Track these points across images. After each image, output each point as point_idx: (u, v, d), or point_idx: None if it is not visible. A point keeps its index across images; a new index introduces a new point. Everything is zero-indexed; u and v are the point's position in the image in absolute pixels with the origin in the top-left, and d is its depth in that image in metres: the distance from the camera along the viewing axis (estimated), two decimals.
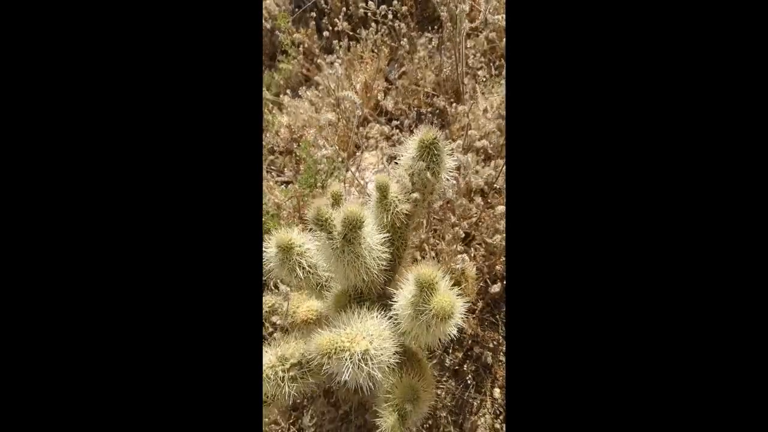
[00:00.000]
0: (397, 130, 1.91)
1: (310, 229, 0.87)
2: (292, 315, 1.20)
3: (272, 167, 2.14)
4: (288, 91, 2.29)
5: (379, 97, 2.16)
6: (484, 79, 1.76)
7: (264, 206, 1.76)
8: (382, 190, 0.91)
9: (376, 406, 0.84)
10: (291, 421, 1.39)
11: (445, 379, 1.42)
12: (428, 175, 0.88)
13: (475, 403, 1.40)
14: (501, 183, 1.26)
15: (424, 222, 1.19)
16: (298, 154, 2.18)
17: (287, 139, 2.33)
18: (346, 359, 0.75)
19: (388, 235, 0.90)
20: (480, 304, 1.46)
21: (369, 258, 0.86)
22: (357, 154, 2.05)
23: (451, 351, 1.44)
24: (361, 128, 2.15)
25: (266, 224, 1.66)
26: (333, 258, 0.86)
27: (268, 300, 1.33)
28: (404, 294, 0.80)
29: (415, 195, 0.90)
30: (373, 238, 0.87)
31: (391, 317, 0.88)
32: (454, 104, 1.52)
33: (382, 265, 0.91)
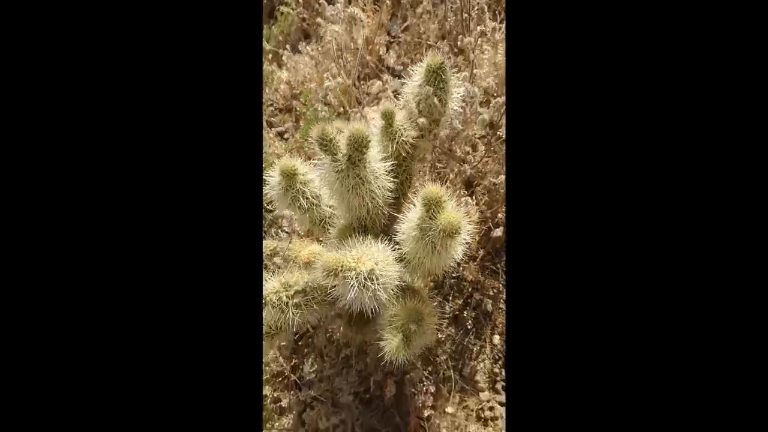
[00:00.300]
0: (400, 82, 1.88)
1: (313, 157, 0.85)
2: (294, 258, 1.20)
3: (273, 119, 2.10)
4: (288, 47, 2.23)
5: (381, 52, 2.11)
6: (490, 28, 1.71)
7: (264, 156, 1.73)
8: (388, 117, 0.89)
9: (380, 331, 0.84)
10: (292, 364, 1.41)
11: (445, 325, 1.43)
12: (435, 100, 0.86)
13: (474, 349, 1.42)
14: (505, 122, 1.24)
15: (429, 159, 1.17)
16: (298, 110, 2.14)
17: (287, 96, 2.29)
18: (351, 278, 0.74)
19: (394, 162, 0.89)
20: (481, 252, 1.46)
21: (374, 184, 0.85)
22: (358, 107, 2.01)
23: (451, 298, 1.45)
24: (362, 83, 2.11)
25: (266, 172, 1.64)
26: (337, 183, 0.84)
27: (270, 244, 1.32)
28: (410, 217, 0.79)
29: (422, 120, 0.88)
30: (378, 163, 0.85)
31: (395, 248, 0.87)
32: (460, 38, 1.48)
33: (386, 194, 0.90)
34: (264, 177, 0.93)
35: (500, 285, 1.45)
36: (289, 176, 0.88)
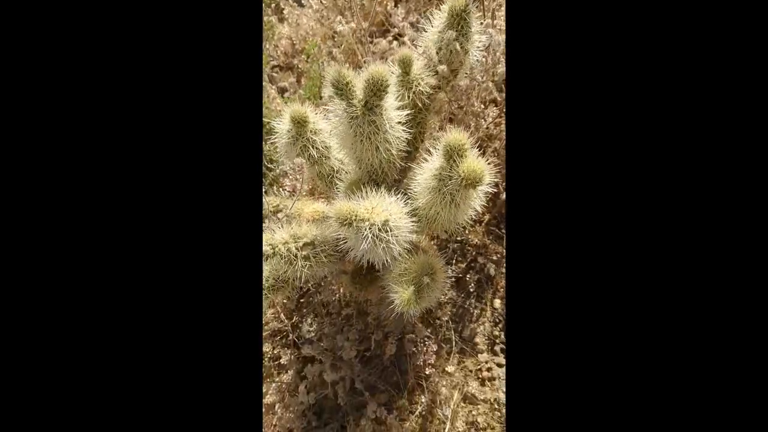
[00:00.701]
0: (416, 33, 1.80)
1: (329, 100, 0.81)
2: (297, 215, 1.17)
3: (273, 82, 2.02)
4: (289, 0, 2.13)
5: (389, 7, 2.02)
6: None
7: (266, 112, 1.67)
8: (406, 64, 0.84)
9: (390, 285, 0.83)
10: (293, 321, 1.40)
11: (447, 288, 1.43)
12: (457, 46, 0.81)
13: (475, 312, 1.42)
14: None
15: (445, 109, 1.12)
16: (300, 67, 2.06)
17: (289, 52, 2.19)
18: (365, 229, 0.72)
19: (410, 112, 0.85)
20: (487, 216, 1.44)
21: (389, 133, 0.81)
22: (364, 65, 1.94)
23: (454, 262, 1.44)
24: (369, 40, 2.02)
25: (269, 126, 1.58)
26: (351, 130, 0.80)
27: (273, 200, 1.29)
28: (428, 167, 0.76)
29: (443, 67, 0.83)
30: (394, 112, 0.81)
31: (407, 202, 0.84)
32: None
33: (401, 145, 0.86)
34: (270, 123, 0.89)
35: (504, 250, 1.44)
36: (300, 124, 0.83)
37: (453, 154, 0.69)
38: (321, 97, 1.75)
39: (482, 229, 1.44)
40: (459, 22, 0.82)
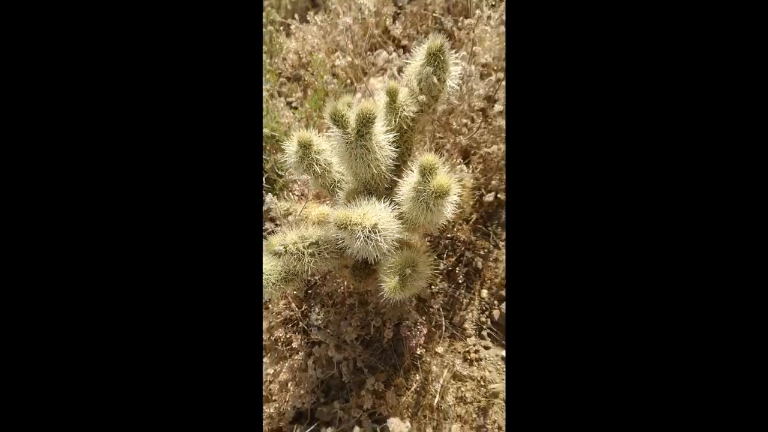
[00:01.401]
0: (406, 56, 1.98)
1: (326, 130, 0.99)
2: (305, 217, 1.36)
3: (281, 94, 2.20)
4: (296, 16, 2.30)
5: (388, 23, 2.18)
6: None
7: (276, 125, 1.86)
8: (392, 94, 1.02)
9: (381, 276, 1.01)
10: (303, 309, 1.60)
11: (439, 280, 1.61)
12: (434, 79, 0.99)
13: (464, 301, 1.60)
14: (501, 96, 1.36)
15: (428, 131, 1.30)
16: (306, 79, 2.24)
17: (296, 65, 2.38)
18: (358, 231, 0.90)
19: (396, 134, 1.03)
20: (474, 215, 1.61)
21: (378, 153, 0.99)
22: (364, 79, 2.11)
23: (445, 256, 1.62)
24: (369, 54, 2.20)
25: (279, 140, 1.77)
26: (346, 153, 0.99)
27: (284, 204, 1.48)
28: (408, 181, 0.94)
29: (422, 97, 1.01)
30: (382, 135, 0.99)
31: (395, 208, 1.02)
32: (461, 20, 1.58)
33: (389, 162, 1.04)
34: (283, 146, 1.07)
35: (490, 245, 1.62)
36: (306, 146, 1.02)
37: (426, 172, 0.87)
38: (324, 107, 1.94)
39: (470, 227, 1.61)
40: (435, 59, 0.99)
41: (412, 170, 0.95)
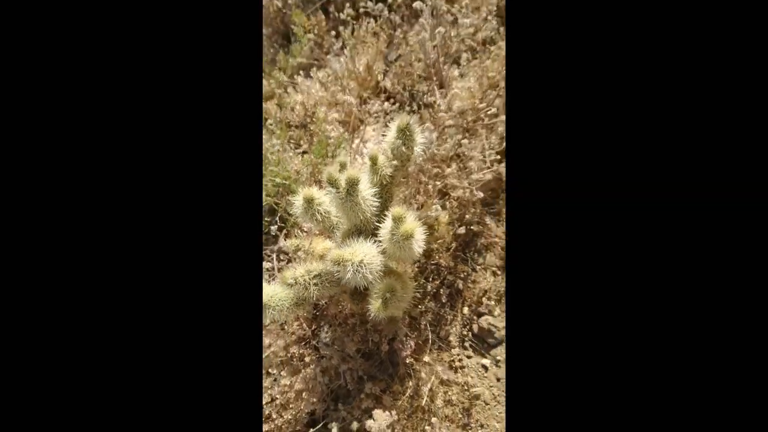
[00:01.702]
0: (395, 106, 2.32)
1: (324, 187, 1.32)
2: (312, 251, 1.67)
3: (291, 141, 2.56)
4: (301, 72, 2.69)
5: (379, 78, 2.55)
6: (463, 64, 2.14)
7: (287, 174, 2.20)
8: (373, 160, 1.34)
9: (370, 299, 1.31)
10: (313, 328, 1.90)
11: (427, 300, 1.89)
12: (403, 149, 1.31)
13: (449, 317, 1.88)
14: (465, 150, 1.68)
15: (408, 182, 1.63)
16: (311, 128, 2.60)
17: (302, 115, 2.75)
18: (349, 266, 1.21)
19: (377, 190, 1.35)
20: (454, 244, 1.91)
21: (364, 205, 1.31)
22: (360, 127, 2.46)
23: (431, 280, 1.91)
24: (364, 105, 2.55)
25: (290, 186, 2.11)
26: (340, 206, 1.31)
27: (294, 241, 1.80)
28: (385, 226, 1.25)
29: (395, 162, 1.33)
30: (366, 192, 1.31)
31: (379, 245, 1.33)
32: (435, 87, 1.92)
33: (373, 210, 1.36)
34: (291, 200, 1.40)
35: (468, 269, 1.90)
36: (309, 201, 1.34)
37: (396, 220, 1.18)
38: (327, 155, 2.28)
39: (450, 254, 1.91)
40: (404, 134, 1.32)
41: (388, 217, 1.26)
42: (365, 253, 1.24)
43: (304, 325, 1.87)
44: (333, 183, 1.25)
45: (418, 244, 1.21)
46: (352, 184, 1.23)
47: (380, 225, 1.32)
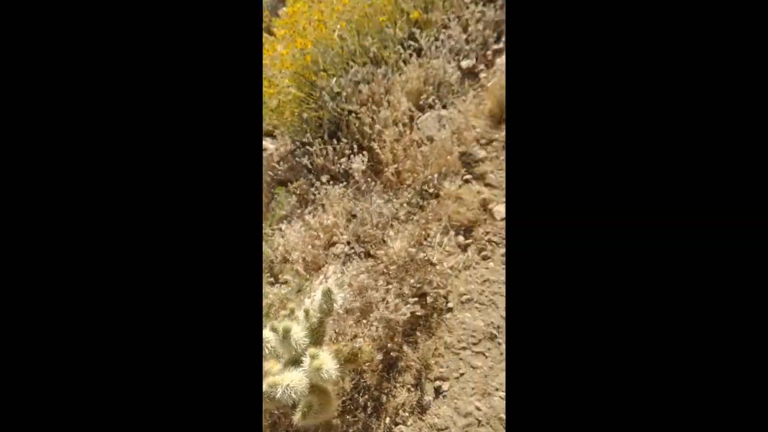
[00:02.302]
0: (353, 250, 3.12)
1: (272, 330, 2.03)
2: (265, 374, 2.32)
3: (270, 276, 3.33)
4: (284, 221, 3.56)
5: (341, 227, 3.39)
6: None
7: (269, 302, 2.92)
8: (306, 312, 2.08)
9: (296, 413, 1.94)
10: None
11: (358, 411, 2.45)
12: (325, 306, 2.04)
13: (373, 426, 2.43)
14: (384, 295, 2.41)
15: (338, 322, 2.33)
16: (290, 264, 3.38)
17: (284, 253, 3.57)
18: (279, 387, 1.86)
19: (307, 331, 2.05)
20: (380, 366, 2.53)
21: (296, 345, 2.00)
22: (323, 267, 3.24)
23: (360, 393, 2.49)
24: (330, 248, 3.36)
25: (265, 316, 2.81)
26: (280, 345, 2.00)
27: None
28: (307, 361, 1.94)
29: (319, 314, 2.06)
30: (299, 334, 2.02)
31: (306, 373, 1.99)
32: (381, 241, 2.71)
33: (303, 347, 2.05)
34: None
35: (390, 386, 2.49)
36: (286, 332, 2.04)
37: (312, 358, 1.85)
38: (301, 289, 3.02)
39: (378, 374, 2.52)
40: (325, 296, 2.06)
41: (308, 356, 1.94)
42: (292, 379, 1.90)
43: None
44: (275, 330, 1.97)
45: (329, 373, 1.88)
46: (286, 333, 1.95)
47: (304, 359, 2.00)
